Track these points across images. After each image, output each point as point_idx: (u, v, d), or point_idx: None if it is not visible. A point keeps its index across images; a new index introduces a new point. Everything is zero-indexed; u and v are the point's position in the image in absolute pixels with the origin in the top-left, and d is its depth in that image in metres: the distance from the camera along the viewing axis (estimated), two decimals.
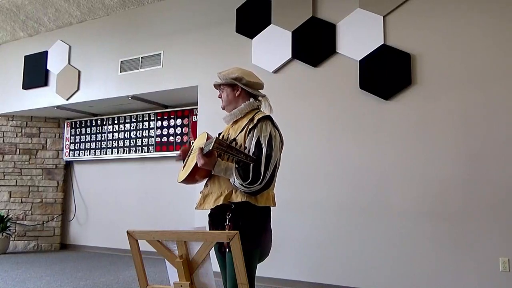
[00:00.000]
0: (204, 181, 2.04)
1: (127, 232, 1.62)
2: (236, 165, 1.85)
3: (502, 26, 3.49)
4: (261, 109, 2.08)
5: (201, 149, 1.86)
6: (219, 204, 1.88)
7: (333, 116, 4.12)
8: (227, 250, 1.81)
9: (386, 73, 3.86)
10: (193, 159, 1.96)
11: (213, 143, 1.73)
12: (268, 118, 1.94)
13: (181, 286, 1.54)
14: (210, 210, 1.98)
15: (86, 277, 4.54)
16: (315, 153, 4.14)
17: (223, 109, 2.11)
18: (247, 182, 1.81)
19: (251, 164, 1.79)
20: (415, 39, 3.81)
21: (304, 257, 4.01)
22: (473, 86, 3.55)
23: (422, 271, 3.57)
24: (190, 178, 2.00)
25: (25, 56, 6.56)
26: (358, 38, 4.04)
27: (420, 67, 3.77)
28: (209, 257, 1.53)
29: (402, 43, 3.85)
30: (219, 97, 2.11)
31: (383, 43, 3.92)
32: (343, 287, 3.84)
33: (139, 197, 6.32)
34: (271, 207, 1.98)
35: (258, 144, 1.85)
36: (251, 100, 2.03)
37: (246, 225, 1.84)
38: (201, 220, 4.66)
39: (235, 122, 2.04)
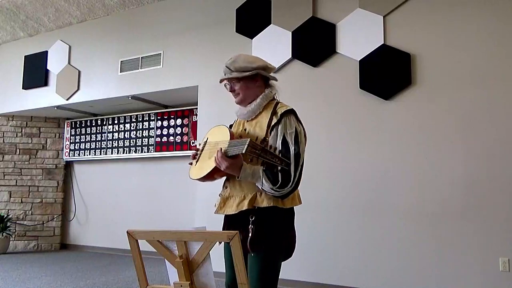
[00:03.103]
0: (222, 179, 1.91)
1: (127, 232, 1.62)
2: (263, 168, 1.70)
3: (502, 26, 3.49)
4: (276, 96, 1.93)
5: (223, 151, 1.70)
6: (243, 209, 1.75)
7: (333, 116, 4.12)
8: (250, 252, 1.74)
9: (386, 73, 3.86)
10: (211, 156, 1.81)
11: (246, 145, 1.58)
12: (291, 112, 1.80)
13: (181, 286, 1.54)
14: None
15: (86, 277, 4.54)
16: (315, 153, 4.12)
17: (239, 103, 1.89)
18: (277, 186, 1.67)
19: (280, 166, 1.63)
20: (415, 39, 3.81)
21: (304, 257, 4.01)
22: (473, 86, 3.55)
23: (422, 271, 3.57)
24: (208, 177, 1.84)
25: (25, 56, 6.56)
26: (358, 38, 4.04)
27: (420, 67, 3.77)
28: (209, 257, 1.53)
29: (402, 43, 3.85)
30: (232, 91, 1.88)
31: (383, 43, 3.92)
32: (343, 287, 3.84)
33: (139, 197, 6.32)
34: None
35: (284, 143, 1.72)
36: (267, 91, 1.87)
37: (272, 228, 1.75)
38: (201, 220, 4.67)
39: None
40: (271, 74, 1.94)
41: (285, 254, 1.84)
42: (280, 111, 1.79)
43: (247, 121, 1.89)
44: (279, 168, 1.64)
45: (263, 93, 1.86)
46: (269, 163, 1.61)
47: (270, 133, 1.76)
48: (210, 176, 1.83)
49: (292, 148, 1.71)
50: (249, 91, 1.86)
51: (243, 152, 1.59)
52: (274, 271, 1.78)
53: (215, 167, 1.75)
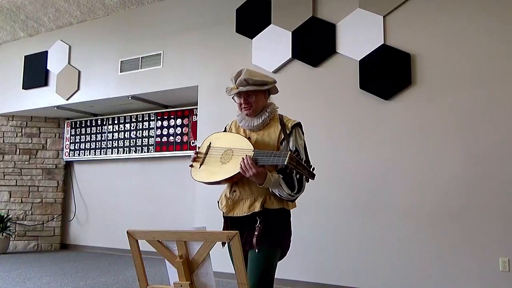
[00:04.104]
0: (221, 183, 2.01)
1: (127, 232, 1.62)
2: (281, 176, 1.85)
3: (502, 26, 3.49)
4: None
5: (253, 159, 1.79)
6: (256, 211, 1.89)
7: (333, 116, 4.12)
8: (254, 248, 1.85)
9: (386, 73, 3.86)
10: (225, 161, 1.92)
11: (287, 158, 1.69)
12: (299, 125, 2.00)
13: (181, 286, 1.54)
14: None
15: (86, 277, 4.54)
16: (315, 153, 4.10)
17: (250, 115, 2.01)
18: (295, 192, 1.86)
19: (295, 174, 1.77)
20: (415, 39, 3.81)
21: (304, 257, 4.02)
22: (473, 86, 3.55)
23: (422, 271, 3.57)
24: (221, 182, 1.96)
25: (25, 56, 6.56)
26: (358, 38, 4.04)
27: (420, 67, 3.77)
28: (209, 257, 1.53)
29: (402, 43, 3.85)
30: (246, 103, 1.98)
31: (383, 43, 3.92)
32: (343, 287, 3.84)
33: (139, 197, 6.32)
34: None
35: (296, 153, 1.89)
36: (274, 104, 2.05)
37: (277, 227, 1.91)
38: (201, 220, 4.67)
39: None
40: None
41: (282, 251, 1.98)
42: (289, 123, 1.98)
43: (253, 130, 2.02)
44: (294, 175, 1.77)
45: (271, 106, 2.03)
46: (291, 172, 1.74)
47: (281, 143, 1.93)
48: (225, 181, 1.93)
49: (303, 158, 1.86)
50: (260, 104, 2.00)
51: (285, 163, 1.70)
52: (274, 268, 1.91)
53: (238, 173, 1.83)
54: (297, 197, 1.92)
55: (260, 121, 1.99)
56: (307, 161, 1.89)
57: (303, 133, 2.01)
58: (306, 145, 1.98)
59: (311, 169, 1.78)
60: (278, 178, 1.85)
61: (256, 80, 1.95)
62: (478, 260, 3.37)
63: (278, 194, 1.88)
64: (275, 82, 2.03)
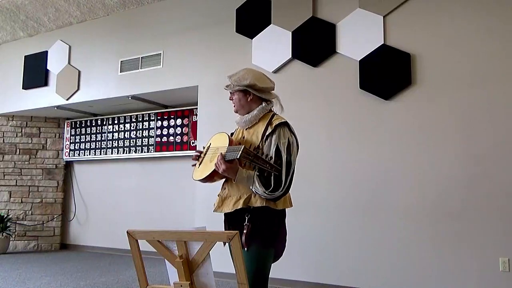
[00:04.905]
0: (221, 181, 2.09)
1: (127, 232, 1.62)
2: (257, 173, 1.88)
3: (502, 26, 3.49)
4: (273, 109, 2.12)
5: (223, 155, 1.88)
6: (239, 208, 1.93)
7: (333, 116, 4.12)
8: (244, 247, 1.87)
9: (386, 73, 3.86)
10: (212, 160, 2.00)
11: (240, 152, 1.77)
12: (285, 124, 1.99)
13: (181, 286, 1.54)
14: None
15: (86, 277, 4.54)
16: (315, 153, 4.14)
17: (236, 112, 2.13)
18: (270, 190, 1.86)
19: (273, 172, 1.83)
20: (415, 39, 3.81)
21: (304, 257, 4.02)
22: (473, 86, 3.55)
23: (422, 271, 3.57)
24: (208, 179, 2.04)
25: (25, 56, 6.55)
26: (358, 38, 4.04)
27: (420, 67, 3.77)
28: (209, 257, 1.53)
29: (402, 43, 3.85)
30: (230, 99, 2.12)
31: (383, 43, 3.92)
32: (343, 287, 3.84)
33: (139, 197, 6.32)
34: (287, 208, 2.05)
35: (277, 152, 1.90)
36: (263, 104, 2.06)
37: (264, 226, 1.91)
38: (201, 220, 4.67)
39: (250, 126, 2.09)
40: (272, 91, 2.11)
41: (276, 252, 1.98)
42: (274, 122, 1.99)
43: (246, 129, 2.09)
44: (272, 173, 1.82)
45: (260, 106, 2.05)
46: (262, 168, 1.80)
47: (265, 142, 1.94)
48: (210, 177, 2.03)
49: (284, 157, 1.90)
50: (241, 103, 2.07)
51: (238, 157, 1.79)
52: (267, 268, 1.93)
53: (214, 169, 1.93)
54: (277, 197, 1.88)
55: (247, 119, 2.05)
56: (289, 160, 1.91)
57: (292, 133, 1.99)
58: (291, 144, 1.94)
59: (273, 163, 1.81)
60: (252, 174, 1.89)
61: (233, 79, 2.06)
62: (478, 260, 3.37)
63: (254, 191, 1.89)
64: (250, 85, 2.01)
